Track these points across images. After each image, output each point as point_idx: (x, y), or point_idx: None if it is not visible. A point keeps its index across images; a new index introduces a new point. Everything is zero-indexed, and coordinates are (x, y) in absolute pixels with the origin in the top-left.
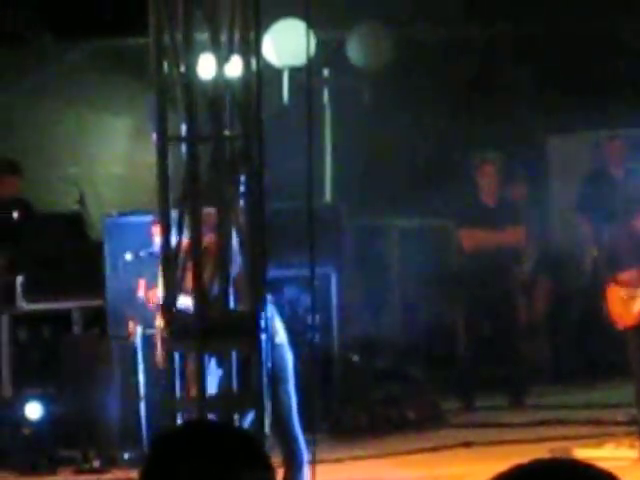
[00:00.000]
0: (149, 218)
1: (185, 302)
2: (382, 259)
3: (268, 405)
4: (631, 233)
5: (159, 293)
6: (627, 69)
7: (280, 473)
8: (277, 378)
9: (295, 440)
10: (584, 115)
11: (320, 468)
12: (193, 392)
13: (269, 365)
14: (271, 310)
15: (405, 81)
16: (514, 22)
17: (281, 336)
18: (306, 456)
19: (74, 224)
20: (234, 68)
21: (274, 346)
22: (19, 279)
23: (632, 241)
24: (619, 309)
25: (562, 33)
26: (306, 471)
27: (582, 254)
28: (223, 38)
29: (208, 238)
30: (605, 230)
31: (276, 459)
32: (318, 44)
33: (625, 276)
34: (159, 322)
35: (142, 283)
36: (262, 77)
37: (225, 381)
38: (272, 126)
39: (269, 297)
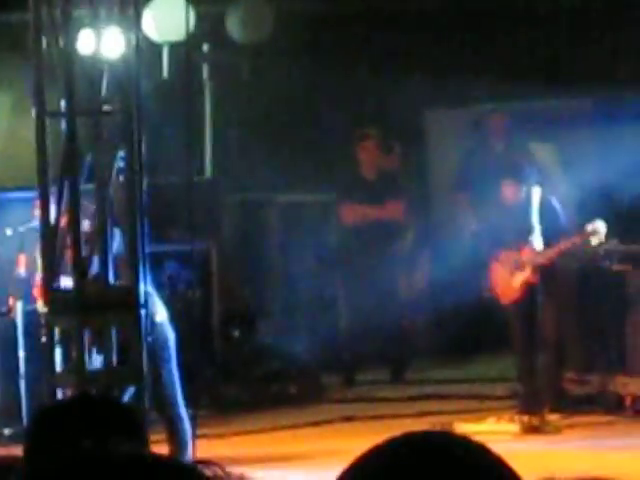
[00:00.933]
0: (30, 194)
1: (66, 282)
2: (263, 234)
3: (148, 380)
4: (507, 208)
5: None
6: (511, 41)
7: (164, 449)
8: (159, 356)
9: (179, 418)
10: (465, 89)
11: (202, 443)
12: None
13: (149, 340)
14: (151, 289)
15: (284, 56)
16: None
17: (161, 314)
18: (190, 435)
19: None
20: (114, 43)
21: (155, 325)
22: None
23: (509, 216)
24: (502, 284)
25: (446, 6)
26: (190, 447)
27: (461, 229)
28: (102, 13)
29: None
30: (484, 205)
31: (160, 436)
32: (198, 19)
33: (504, 254)
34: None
35: (22, 259)
36: (142, 53)
37: (105, 356)
38: (152, 101)
39: (149, 275)
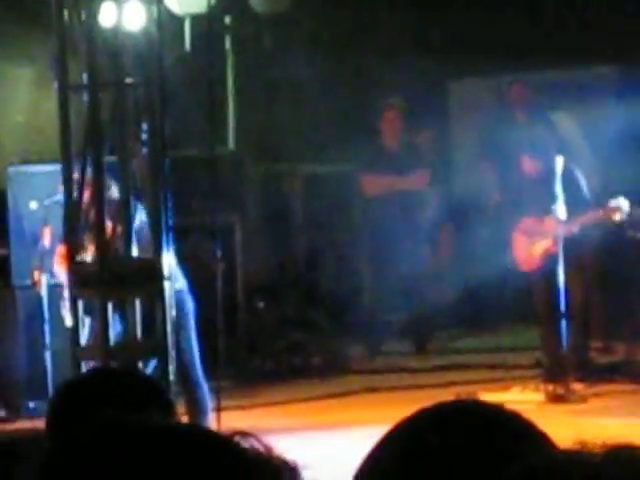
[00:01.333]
0: (53, 167)
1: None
2: (286, 206)
3: (172, 353)
4: (531, 178)
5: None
6: (529, 15)
7: (184, 420)
8: (178, 325)
9: (198, 387)
10: (488, 60)
11: (224, 415)
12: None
13: (173, 313)
14: (174, 260)
15: (305, 26)
16: None
17: (181, 282)
18: (210, 403)
19: None
20: (135, 16)
21: (174, 292)
22: None
23: (533, 187)
24: (523, 253)
25: None
26: (210, 418)
27: (486, 200)
28: None
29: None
30: (508, 176)
31: (180, 407)
32: None
33: (526, 222)
34: (58, 270)
35: (47, 232)
36: (163, 25)
37: (129, 329)
38: (174, 74)
39: (173, 247)
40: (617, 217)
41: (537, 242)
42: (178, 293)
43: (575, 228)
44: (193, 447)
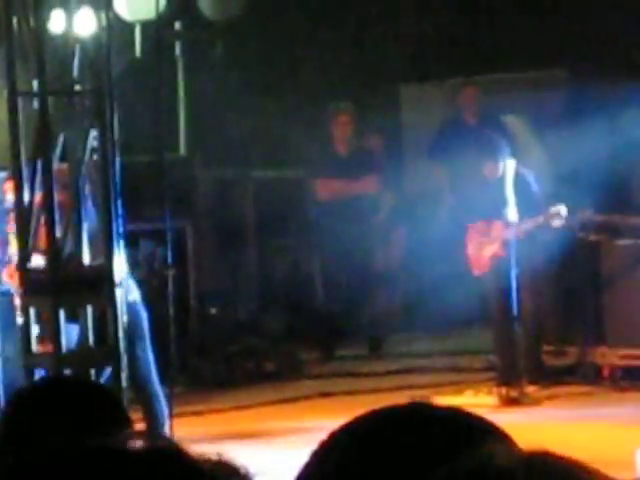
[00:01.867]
0: (1, 174)
1: (38, 261)
2: (238, 211)
3: (124, 360)
4: (482, 181)
5: (12, 250)
6: (479, 16)
7: (141, 428)
8: (132, 336)
9: (155, 397)
10: (438, 62)
11: (178, 421)
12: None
13: (125, 320)
14: (125, 267)
15: (256, 32)
16: None
17: (134, 294)
18: (166, 412)
19: None
20: (85, 22)
21: (128, 304)
22: None
23: (484, 190)
24: (474, 256)
25: None
26: (167, 426)
27: (437, 202)
28: None
29: (62, 194)
30: (459, 178)
31: (137, 414)
32: None
33: (477, 225)
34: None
35: None
36: (113, 31)
37: (81, 337)
38: (124, 80)
39: (124, 254)
40: (556, 223)
41: (487, 245)
42: (132, 305)
43: (522, 233)
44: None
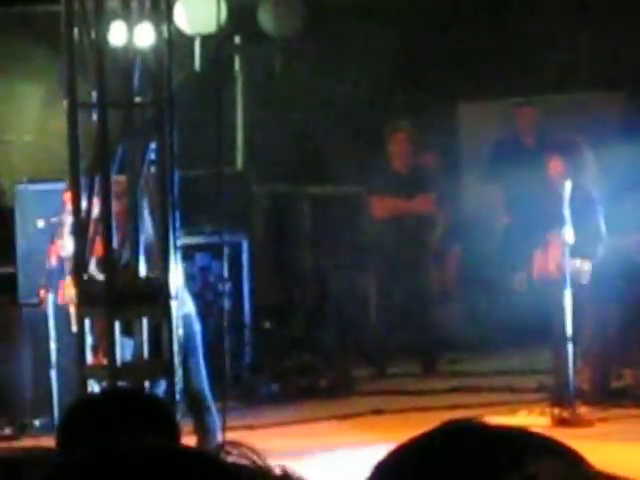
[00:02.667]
0: (61, 186)
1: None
2: (294, 226)
3: (179, 373)
4: (539, 201)
5: (65, 248)
6: (537, 35)
7: (192, 441)
8: (186, 349)
9: (207, 410)
10: (498, 81)
11: (231, 435)
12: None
13: (181, 333)
14: (182, 280)
15: (316, 48)
16: None
17: (189, 306)
18: (218, 425)
19: None
20: (145, 35)
21: (182, 317)
22: None
23: (540, 209)
24: (547, 267)
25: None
26: (218, 439)
27: (492, 222)
28: (134, 5)
29: (119, 205)
30: (515, 198)
31: (188, 427)
32: (229, 11)
33: (554, 237)
34: (69, 290)
35: (54, 250)
36: (173, 44)
37: (136, 349)
38: (183, 93)
39: (180, 266)
40: (582, 279)
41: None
42: (186, 317)
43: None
44: (176, 466)
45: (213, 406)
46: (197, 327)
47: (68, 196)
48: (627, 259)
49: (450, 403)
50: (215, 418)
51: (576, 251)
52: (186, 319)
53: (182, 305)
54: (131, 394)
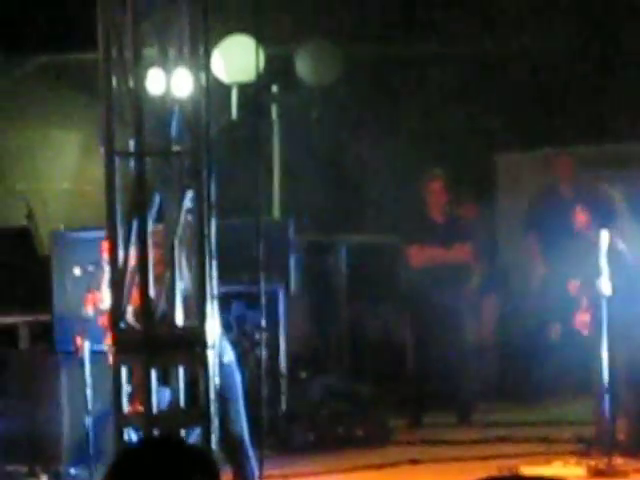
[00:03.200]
0: (97, 234)
1: (132, 317)
2: (330, 275)
3: (215, 421)
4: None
5: (103, 301)
6: (572, 85)
7: None
8: (227, 397)
9: (246, 458)
10: (534, 132)
11: None
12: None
13: (217, 382)
14: (219, 329)
15: (353, 98)
16: (451, 41)
17: (229, 355)
18: (257, 474)
19: (22, 239)
20: (183, 83)
21: (222, 365)
22: None
23: (578, 260)
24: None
25: (508, 51)
26: None
27: (530, 272)
28: (172, 53)
29: (157, 255)
30: (553, 249)
31: (227, 476)
32: (267, 60)
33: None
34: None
35: (90, 298)
36: (211, 93)
37: (172, 397)
38: (221, 142)
39: (218, 315)
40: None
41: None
42: (227, 366)
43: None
44: None
45: (253, 455)
46: (238, 376)
47: (105, 245)
48: None
49: (486, 454)
50: (254, 467)
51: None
52: (226, 368)
53: (223, 354)
54: (174, 443)
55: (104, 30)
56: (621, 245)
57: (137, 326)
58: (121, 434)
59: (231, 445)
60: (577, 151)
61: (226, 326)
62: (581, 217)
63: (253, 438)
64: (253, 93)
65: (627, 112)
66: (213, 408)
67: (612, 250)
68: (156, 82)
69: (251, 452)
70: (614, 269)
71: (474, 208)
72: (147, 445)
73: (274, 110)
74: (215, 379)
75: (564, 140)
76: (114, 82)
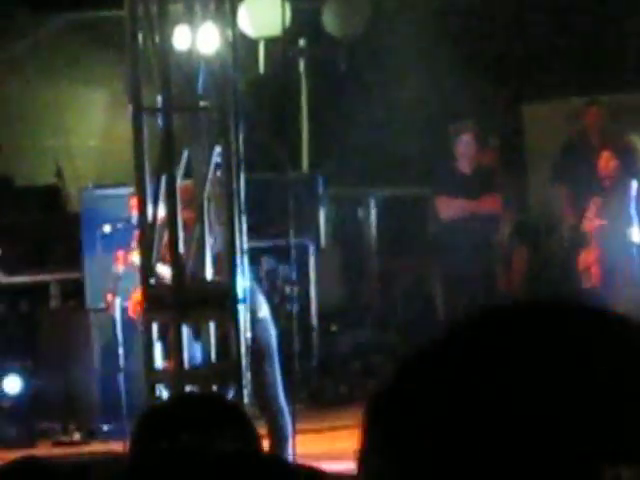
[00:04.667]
0: (126, 191)
1: (163, 271)
2: (360, 228)
3: (247, 377)
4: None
5: (134, 259)
6: (601, 35)
7: (265, 444)
8: (261, 353)
9: (280, 413)
10: (562, 81)
11: (299, 438)
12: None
13: (249, 337)
14: (253, 284)
15: (380, 50)
16: None
17: (264, 311)
18: (290, 430)
19: (52, 197)
20: (209, 39)
21: (257, 320)
22: None
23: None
24: None
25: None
26: (290, 444)
27: (559, 223)
28: (197, 9)
29: (186, 211)
30: (582, 199)
31: (261, 430)
32: (293, 14)
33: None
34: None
35: (120, 256)
36: (237, 48)
37: (204, 353)
38: (248, 97)
39: (249, 271)
40: None
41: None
42: (262, 321)
43: None
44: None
45: (287, 410)
46: (272, 331)
47: (134, 201)
48: None
49: None
50: (288, 422)
51: None
52: (262, 323)
53: (258, 309)
54: (206, 398)
55: None
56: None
57: (167, 282)
58: (153, 391)
59: (265, 400)
60: (606, 100)
61: (257, 280)
62: (610, 163)
63: (286, 392)
64: (280, 47)
65: None
66: (245, 363)
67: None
68: (182, 38)
69: (285, 407)
70: None
71: (494, 154)
72: (176, 400)
73: (302, 64)
74: (247, 334)
75: (592, 89)
76: (140, 39)
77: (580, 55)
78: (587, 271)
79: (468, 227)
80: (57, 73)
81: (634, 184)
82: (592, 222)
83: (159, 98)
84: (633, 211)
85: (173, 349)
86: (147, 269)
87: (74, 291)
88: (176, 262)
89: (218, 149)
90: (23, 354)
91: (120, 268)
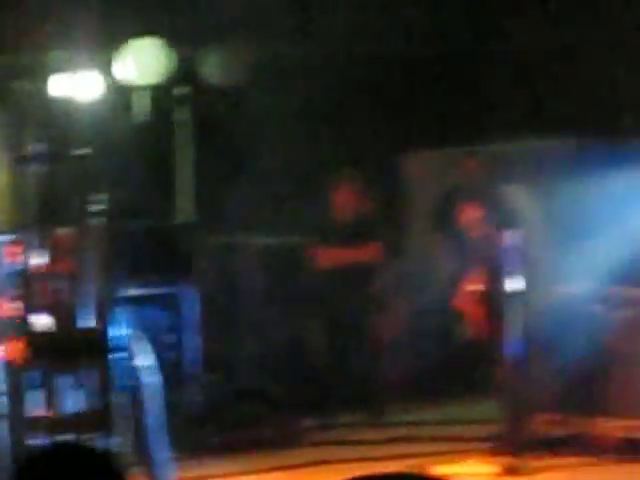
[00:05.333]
0: (2, 238)
1: (41, 320)
2: (240, 277)
3: (124, 425)
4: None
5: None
6: (492, 83)
7: None
8: (142, 401)
9: (160, 463)
10: (441, 132)
11: None
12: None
13: (131, 384)
14: (135, 332)
15: (262, 99)
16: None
17: (147, 358)
18: (169, 476)
19: None
20: (88, 87)
21: (139, 368)
22: None
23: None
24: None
25: (422, 50)
26: None
27: (440, 271)
28: (77, 57)
29: (65, 259)
30: (460, 247)
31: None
32: (174, 62)
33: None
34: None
35: None
36: (117, 96)
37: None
38: (128, 145)
39: (131, 319)
40: None
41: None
42: (143, 369)
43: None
44: None
45: (167, 458)
46: (155, 379)
47: (10, 249)
48: (574, 308)
49: (397, 453)
50: (168, 470)
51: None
52: (144, 370)
53: (136, 357)
54: (73, 448)
55: (10, 33)
56: (518, 243)
57: (44, 330)
58: (21, 440)
59: (144, 449)
60: (481, 151)
61: (140, 328)
62: (474, 215)
63: (166, 441)
64: (160, 95)
65: (537, 108)
66: (121, 411)
67: (511, 249)
68: (61, 86)
69: (166, 456)
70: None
71: (374, 202)
72: (44, 451)
73: (183, 111)
74: (126, 382)
75: (475, 139)
76: (18, 87)
77: (458, 106)
78: (468, 319)
79: (347, 275)
80: None
81: (504, 235)
82: (465, 296)
83: (37, 146)
84: (503, 262)
85: (47, 396)
86: (22, 317)
87: None
88: (55, 311)
89: (98, 197)
90: None
91: None
